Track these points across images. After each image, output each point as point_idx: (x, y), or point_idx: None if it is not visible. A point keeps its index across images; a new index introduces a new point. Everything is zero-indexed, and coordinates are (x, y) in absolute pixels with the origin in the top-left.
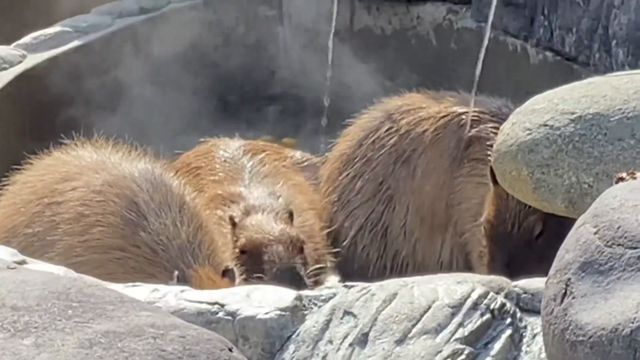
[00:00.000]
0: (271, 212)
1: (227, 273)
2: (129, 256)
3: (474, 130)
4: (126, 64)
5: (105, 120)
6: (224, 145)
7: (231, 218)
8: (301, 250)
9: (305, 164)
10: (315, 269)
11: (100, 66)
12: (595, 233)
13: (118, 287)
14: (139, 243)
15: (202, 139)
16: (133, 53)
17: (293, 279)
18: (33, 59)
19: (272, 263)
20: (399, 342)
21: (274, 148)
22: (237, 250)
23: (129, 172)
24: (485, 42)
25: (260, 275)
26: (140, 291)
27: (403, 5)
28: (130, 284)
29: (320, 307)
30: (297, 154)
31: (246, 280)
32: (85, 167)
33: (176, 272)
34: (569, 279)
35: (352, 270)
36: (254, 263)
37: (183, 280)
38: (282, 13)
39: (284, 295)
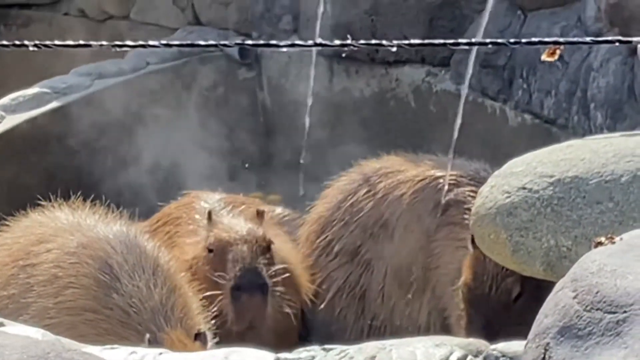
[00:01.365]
0: (237, 213)
1: (199, 337)
2: (101, 318)
3: (451, 194)
4: (104, 125)
5: (84, 177)
6: (206, 197)
7: (209, 212)
8: (267, 249)
9: (285, 219)
10: (280, 269)
11: (79, 128)
12: (574, 297)
13: (95, 349)
14: (111, 305)
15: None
16: (112, 114)
17: (253, 280)
18: (12, 120)
19: (235, 263)
20: None
21: (254, 202)
22: (206, 248)
23: (103, 234)
24: (462, 104)
25: (224, 274)
26: (118, 354)
27: (382, 68)
28: (108, 346)
29: None
30: (278, 209)
31: (218, 344)
32: (60, 229)
33: (147, 335)
34: (548, 344)
35: (329, 332)
36: (219, 261)
37: (155, 343)
38: (262, 75)
39: (263, 358)
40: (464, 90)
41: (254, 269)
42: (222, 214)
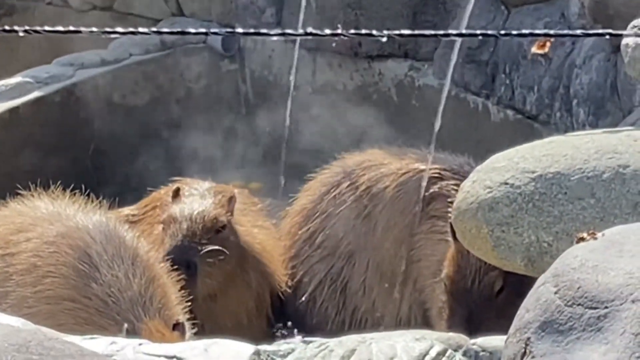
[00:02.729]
0: (207, 194)
1: (177, 327)
2: (80, 307)
3: (435, 187)
4: (87, 115)
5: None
6: (196, 185)
7: (176, 189)
8: (215, 231)
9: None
10: (214, 249)
11: (61, 117)
12: (556, 293)
13: (76, 339)
14: (90, 295)
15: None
16: (94, 104)
17: (179, 257)
18: None
19: (170, 238)
20: None
21: (243, 192)
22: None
23: (82, 224)
24: (444, 98)
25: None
26: (98, 343)
27: (365, 62)
28: (88, 336)
29: None
30: (267, 202)
31: (196, 334)
32: (40, 218)
33: (125, 325)
34: (529, 338)
35: (310, 325)
36: (165, 236)
37: (133, 333)
38: (244, 67)
39: (242, 350)
40: (446, 84)
41: (182, 246)
42: (192, 194)
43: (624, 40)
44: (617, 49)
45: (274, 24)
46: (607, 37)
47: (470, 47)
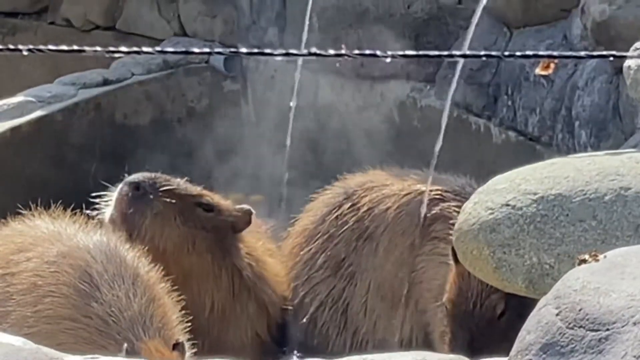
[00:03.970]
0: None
1: (177, 347)
2: (80, 327)
3: (436, 209)
4: (89, 135)
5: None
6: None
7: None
8: (197, 203)
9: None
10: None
11: (63, 137)
12: (557, 315)
13: (77, 358)
14: (90, 314)
15: None
16: (96, 124)
17: (135, 177)
18: None
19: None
20: None
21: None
22: None
23: (83, 243)
24: (445, 119)
25: None
26: None
27: (367, 83)
28: (89, 356)
29: None
30: (271, 224)
31: (196, 354)
32: (40, 237)
33: (125, 345)
34: None
35: (311, 346)
36: None
37: (133, 352)
38: (246, 88)
39: None
40: (447, 105)
41: (133, 180)
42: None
43: (627, 62)
44: (619, 71)
45: (277, 45)
46: (611, 59)
47: (472, 68)
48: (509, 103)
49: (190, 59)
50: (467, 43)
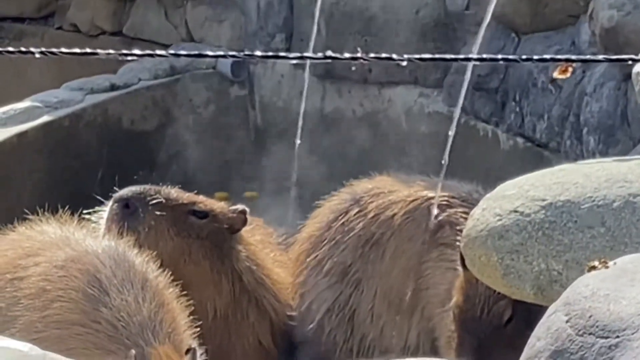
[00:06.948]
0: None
1: (189, 352)
2: (89, 332)
3: (443, 215)
4: (95, 140)
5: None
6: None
7: None
8: (189, 211)
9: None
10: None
11: (69, 142)
12: (567, 321)
13: None
14: (99, 319)
15: None
16: (103, 129)
17: (126, 193)
18: (2, 134)
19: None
20: None
21: (258, 222)
22: None
23: (92, 248)
24: (454, 126)
25: None
26: None
27: (374, 88)
28: None
29: None
30: (281, 231)
31: None
32: (48, 242)
33: (133, 351)
34: None
35: (318, 352)
36: None
37: (142, 357)
38: (253, 94)
39: None
40: (457, 113)
41: (123, 195)
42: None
43: (635, 69)
44: (627, 77)
45: (284, 50)
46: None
47: (480, 74)
48: (517, 109)
49: (197, 65)
50: (475, 49)
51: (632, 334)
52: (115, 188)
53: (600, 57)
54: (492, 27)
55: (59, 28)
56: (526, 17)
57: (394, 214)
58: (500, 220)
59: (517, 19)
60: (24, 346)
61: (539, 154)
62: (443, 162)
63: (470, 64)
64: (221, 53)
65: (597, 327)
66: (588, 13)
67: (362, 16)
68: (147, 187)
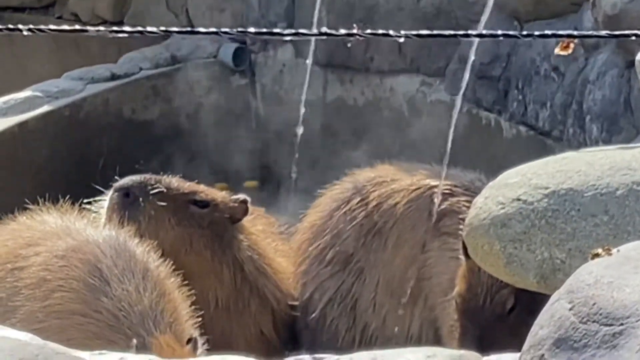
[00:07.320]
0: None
1: (190, 342)
2: (90, 322)
3: (446, 204)
4: (96, 130)
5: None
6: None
7: None
8: (189, 200)
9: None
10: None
11: (70, 132)
12: (570, 309)
13: (85, 354)
14: (100, 309)
15: None
16: (103, 119)
17: (127, 182)
18: (3, 123)
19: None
20: None
21: (260, 212)
22: None
23: (93, 238)
24: (455, 114)
25: None
26: (107, 359)
27: (376, 77)
28: (97, 352)
29: None
30: (283, 221)
31: (209, 350)
32: (49, 232)
33: (134, 340)
34: (543, 355)
35: (320, 342)
36: None
37: (143, 347)
38: (255, 82)
39: None
40: (458, 101)
41: (124, 184)
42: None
43: (638, 56)
44: (630, 64)
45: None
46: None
47: (482, 62)
48: (520, 97)
49: (198, 54)
50: (477, 38)
51: (636, 321)
52: (116, 177)
53: (603, 32)
54: (495, 15)
55: (60, 17)
56: (529, 4)
57: (397, 203)
58: (503, 208)
59: (520, 6)
60: (25, 336)
61: (541, 142)
62: (445, 150)
63: (472, 54)
64: (214, 30)
65: (600, 314)
66: (590, 0)
67: (364, 4)
68: (148, 176)
